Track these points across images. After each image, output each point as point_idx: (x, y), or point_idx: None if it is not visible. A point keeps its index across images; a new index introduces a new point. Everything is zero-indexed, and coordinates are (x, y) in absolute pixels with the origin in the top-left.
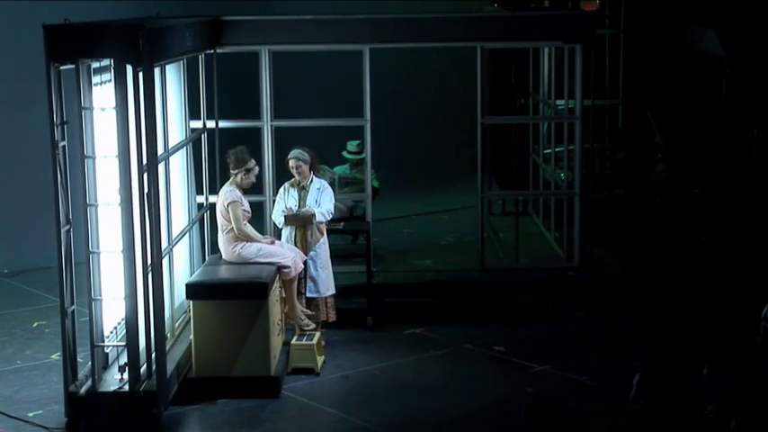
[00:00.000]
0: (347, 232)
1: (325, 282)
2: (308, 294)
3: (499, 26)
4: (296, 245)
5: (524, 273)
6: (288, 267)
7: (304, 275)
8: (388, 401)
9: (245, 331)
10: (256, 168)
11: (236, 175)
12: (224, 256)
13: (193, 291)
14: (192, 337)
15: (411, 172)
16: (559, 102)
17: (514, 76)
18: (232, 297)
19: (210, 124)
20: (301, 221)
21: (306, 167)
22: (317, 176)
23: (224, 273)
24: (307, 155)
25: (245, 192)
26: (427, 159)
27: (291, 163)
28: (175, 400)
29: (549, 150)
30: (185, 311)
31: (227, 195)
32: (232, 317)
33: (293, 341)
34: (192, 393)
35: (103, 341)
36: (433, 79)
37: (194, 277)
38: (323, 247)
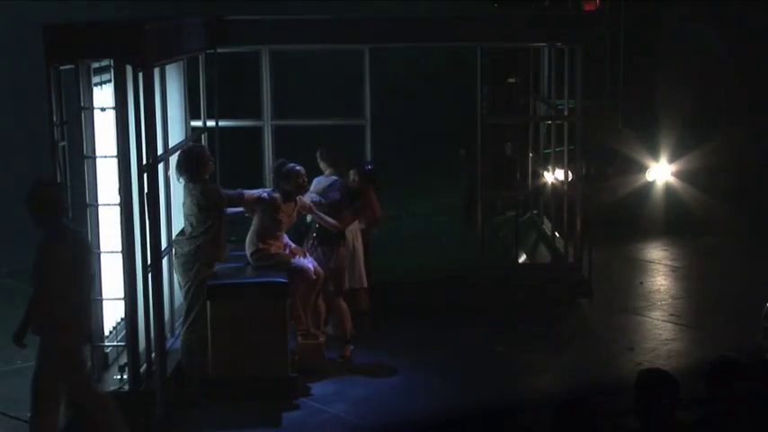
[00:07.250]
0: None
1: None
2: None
3: (499, 26)
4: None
5: (524, 273)
6: (306, 270)
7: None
8: (387, 401)
9: (263, 332)
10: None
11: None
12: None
13: (212, 291)
14: (209, 337)
15: (411, 172)
16: (559, 102)
17: (515, 76)
18: (250, 297)
19: (211, 124)
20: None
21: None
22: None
23: (242, 273)
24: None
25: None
26: (427, 159)
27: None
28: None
29: (549, 150)
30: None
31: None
32: (250, 317)
33: (298, 341)
34: (208, 393)
35: (103, 341)
36: (433, 79)
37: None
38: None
